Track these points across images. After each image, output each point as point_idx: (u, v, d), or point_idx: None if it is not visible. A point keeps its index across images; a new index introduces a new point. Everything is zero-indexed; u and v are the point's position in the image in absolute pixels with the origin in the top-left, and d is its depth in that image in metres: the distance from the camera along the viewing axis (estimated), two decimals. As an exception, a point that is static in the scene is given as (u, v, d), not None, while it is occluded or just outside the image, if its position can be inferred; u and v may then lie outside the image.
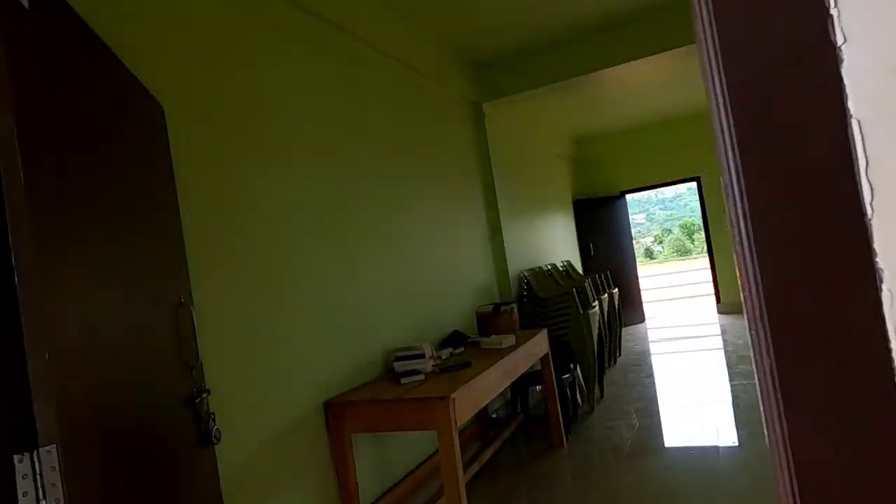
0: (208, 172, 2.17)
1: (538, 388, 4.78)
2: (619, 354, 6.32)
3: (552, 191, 7.45)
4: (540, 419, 4.28)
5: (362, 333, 2.95)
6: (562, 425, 3.83)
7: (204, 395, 1.78)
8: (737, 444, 3.52)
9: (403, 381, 2.71)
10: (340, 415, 2.51)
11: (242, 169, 2.33)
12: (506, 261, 4.95)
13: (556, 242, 7.10)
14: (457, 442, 2.33)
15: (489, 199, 4.97)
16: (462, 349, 3.48)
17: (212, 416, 1.79)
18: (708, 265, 8.74)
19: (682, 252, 34.94)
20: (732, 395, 4.47)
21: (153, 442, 1.51)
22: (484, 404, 2.75)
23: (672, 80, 6.47)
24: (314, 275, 2.65)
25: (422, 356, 2.92)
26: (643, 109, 7.61)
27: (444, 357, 3.25)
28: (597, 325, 4.87)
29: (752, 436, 3.55)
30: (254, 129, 2.43)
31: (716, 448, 3.50)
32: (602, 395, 4.85)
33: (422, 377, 2.76)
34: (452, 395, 2.34)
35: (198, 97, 2.18)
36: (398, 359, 2.94)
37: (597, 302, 5.17)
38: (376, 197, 3.29)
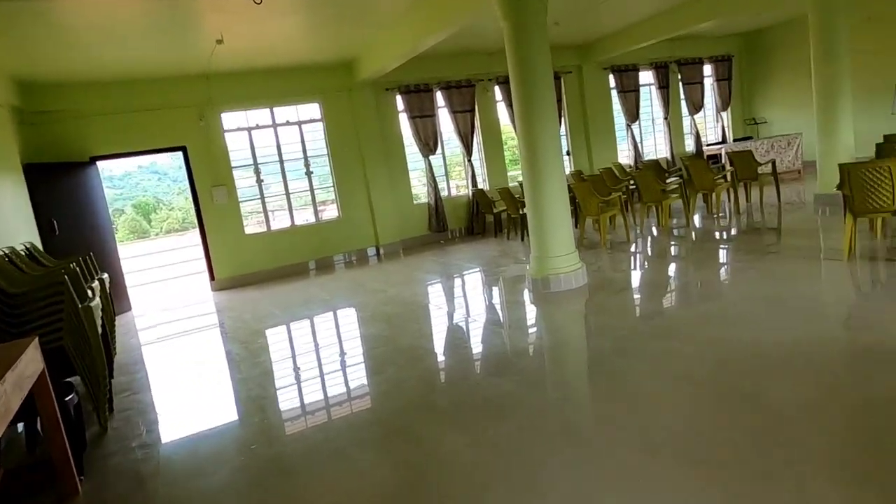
0: None
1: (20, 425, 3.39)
2: (115, 353, 5.20)
3: (-8, 149, 5.41)
4: (32, 466, 2.99)
5: None
6: (73, 465, 2.75)
7: None
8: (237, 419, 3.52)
9: None
10: None
11: None
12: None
13: (5, 219, 5.19)
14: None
15: None
16: None
17: None
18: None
19: (140, 233, 33.07)
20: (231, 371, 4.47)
21: None
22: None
23: (157, 31, 5.66)
24: None
25: None
26: (123, 60, 6.44)
27: None
28: (100, 320, 3.77)
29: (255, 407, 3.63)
30: None
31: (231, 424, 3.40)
32: (112, 409, 3.82)
33: None
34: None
35: None
36: None
37: (91, 292, 4.03)
38: None
